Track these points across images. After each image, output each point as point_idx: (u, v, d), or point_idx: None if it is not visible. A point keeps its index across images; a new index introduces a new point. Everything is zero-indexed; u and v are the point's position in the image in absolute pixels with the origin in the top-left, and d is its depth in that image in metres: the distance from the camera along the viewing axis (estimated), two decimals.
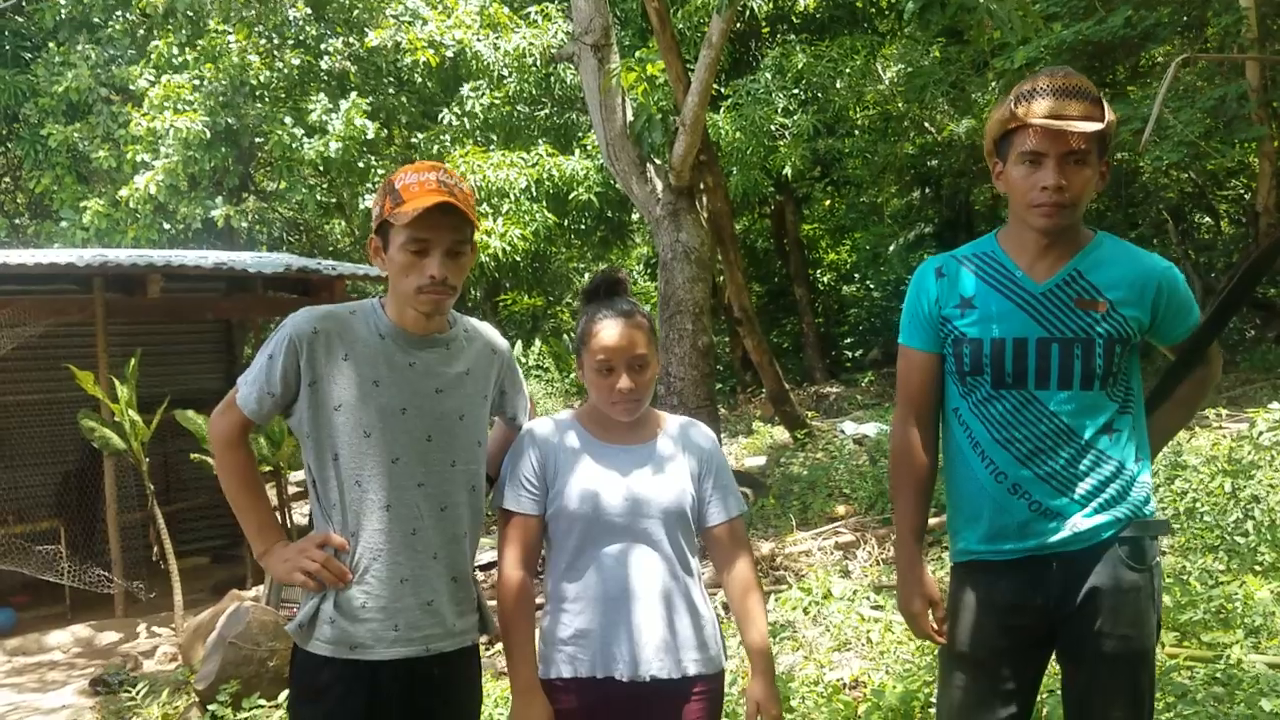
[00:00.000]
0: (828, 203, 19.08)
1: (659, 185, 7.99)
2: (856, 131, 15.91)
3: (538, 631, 2.37)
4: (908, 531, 2.38)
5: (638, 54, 8.11)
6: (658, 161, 8.13)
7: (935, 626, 2.34)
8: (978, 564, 2.31)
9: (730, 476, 2.42)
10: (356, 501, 2.17)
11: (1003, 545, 2.25)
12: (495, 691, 4.18)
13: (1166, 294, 2.25)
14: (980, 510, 2.27)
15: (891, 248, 18.04)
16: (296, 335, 2.17)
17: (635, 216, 16.89)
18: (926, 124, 16.25)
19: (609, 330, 2.27)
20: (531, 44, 14.25)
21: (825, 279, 19.76)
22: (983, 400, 2.26)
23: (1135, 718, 2.23)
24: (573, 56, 8.52)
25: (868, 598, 5.23)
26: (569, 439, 2.35)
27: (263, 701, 4.67)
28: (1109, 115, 2.17)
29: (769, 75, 13.58)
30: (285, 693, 4.65)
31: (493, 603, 2.42)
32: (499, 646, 4.07)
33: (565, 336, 20.03)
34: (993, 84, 13.63)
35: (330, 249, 16.88)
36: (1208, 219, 17.05)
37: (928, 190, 17.79)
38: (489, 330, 2.43)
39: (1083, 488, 2.21)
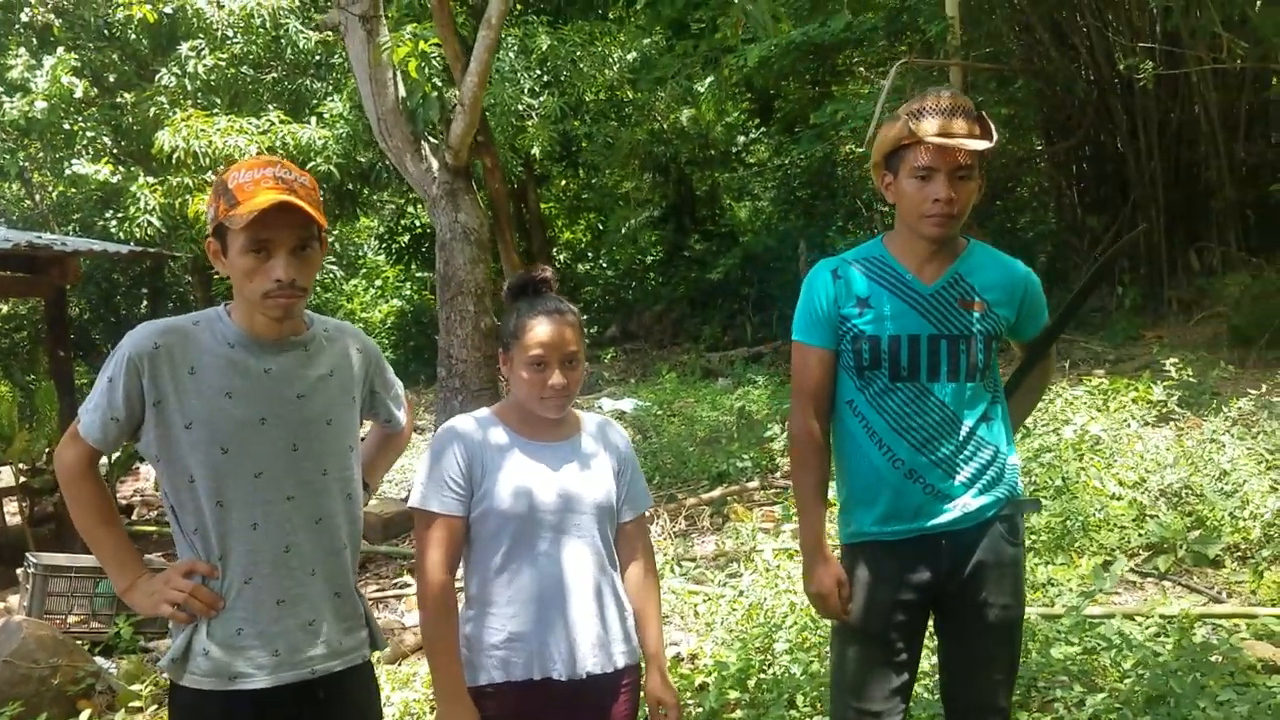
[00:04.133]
0: (564, 182, 19.32)
1: (434, 164, 7.82)
2: (589, 116, 16.23)
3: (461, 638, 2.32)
4: (812, 515, 2.53)
5: (410, 29, 7.87)
6: (433, 140, 7.95)
7: (841, 605, 2.48)
8: (870, 544, 2.49)
9: (640, 474, 2.49)
10: (220, 523, 2.05)
11: (897, 526, 2.44)
12: (397, 700, 4.03)
13: (1030, 296, 2.57)
14: (877, 495, 2.46)
15: (624, 229, 18.58)
16: (135, 354, 2.03)
17: (366, 191, 16.38)
18: (654, 113, 16.86)
19: (542, 326, 2.27)
20: (260, 4, 13.41)
21: (561, 257, 20.04)
22: (880, 392, 2.46)
23: (1011, 678, 2.56)
24: (338, 26, 8.14)
25: (672, 570, 5.47)
26: (495, 437, 2.34)
27: None
28: (993, 135, 2.41)
29: (513, 55, 13.56)
30: (85, 713, 4.31)
31: (389, 616, 2.37)
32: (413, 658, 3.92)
33: None
34: (729, 78, 14.33)
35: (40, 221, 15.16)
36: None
37: (657, 175, 18.43)
38: (352, 330, 2.33)
39: (968, 471, 2.43)
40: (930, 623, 2.58)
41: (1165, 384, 7.08)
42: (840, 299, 2.50)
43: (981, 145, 2.35)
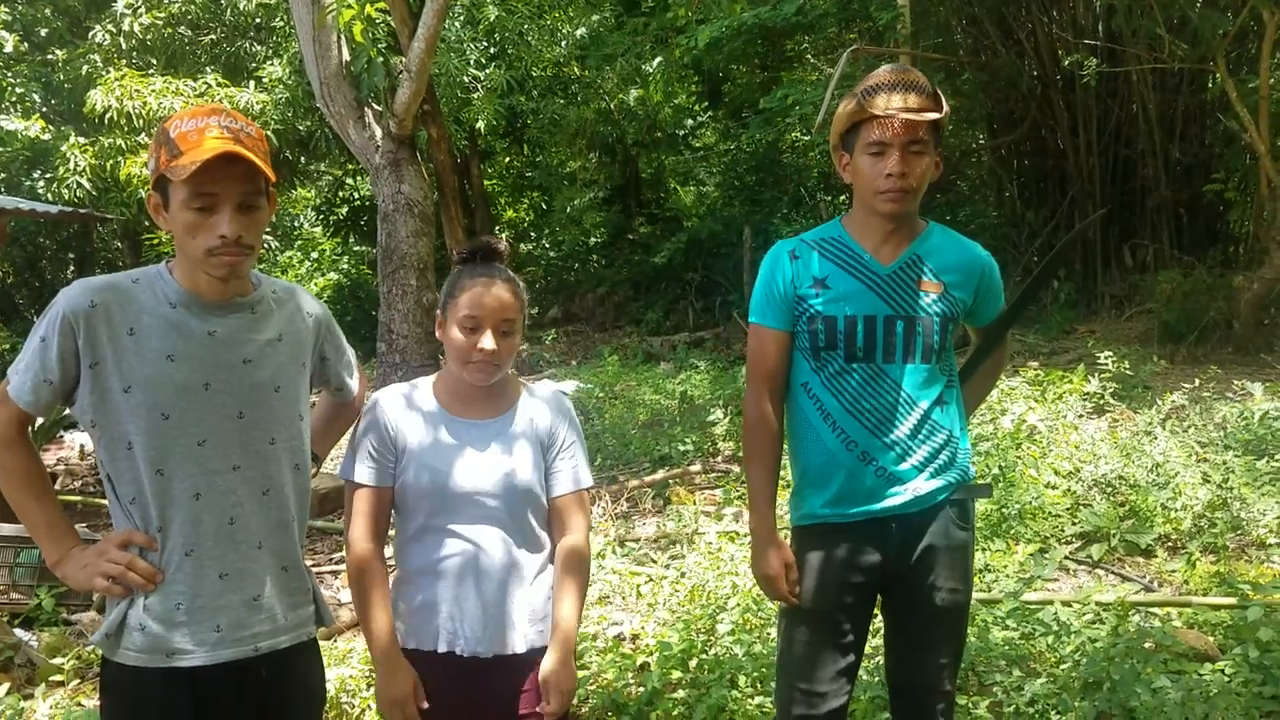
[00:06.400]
0: (508, 159, 19.10)
1: (378, 132, 7.65)
2: (535, 92, 16.06)
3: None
4: (763, 499, 2.50)
5: None
6: (376, 107, 7.78)
7: (789, 588, 2.45)
8: (821, 526, 2.47)
9: (581, 449, 2.39)
10: (160, 493, 1.94)
11: (849, 509, 2.42)
12: (333, 676, 3.91)
13: (987, 280, 2.56)
14: (829, 477, 2.44)
15: (568, 209, 18.44)
16: (71, 312, 1.91)
17: (304, 160, 16.04)
18: (601, 90, 16.73)
19: (480, 289, 2.22)
20: None
21: (504, 236, 19.81)
22: (835, 374, 2.43)
23: (956, 660, 2.56)
24: None
25: (614, 552, 5.43)
26: (422, 409, 2.29)
27: None
28: (944, 106, 2.41)
29: (459, 25, 13.35)
30: (3, 687, 4.14)
31: (325, 593, 2.30)
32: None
33: None
34: (680, 58, 14.25)
35: None
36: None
37: (604, 156, 18.32)
38: (301, 292, 2.22)
39: (921, 454, 2.41)
40: (877, 604, 2.57)
41: (1101, 376, 7.20)
42: (797, 279, 2.47)
43: (931, 116, 2.34)
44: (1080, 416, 6.85)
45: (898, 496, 2.41)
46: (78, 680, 4.28)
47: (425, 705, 2.21)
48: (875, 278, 2.43)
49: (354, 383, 2.38)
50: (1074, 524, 5.29)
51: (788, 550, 2.49)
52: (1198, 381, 7.22)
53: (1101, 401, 7.10)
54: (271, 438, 2.05)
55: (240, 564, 2.01)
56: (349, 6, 7.35)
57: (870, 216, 2.46)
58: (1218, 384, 7.67)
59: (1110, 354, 7.58)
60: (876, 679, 3.43)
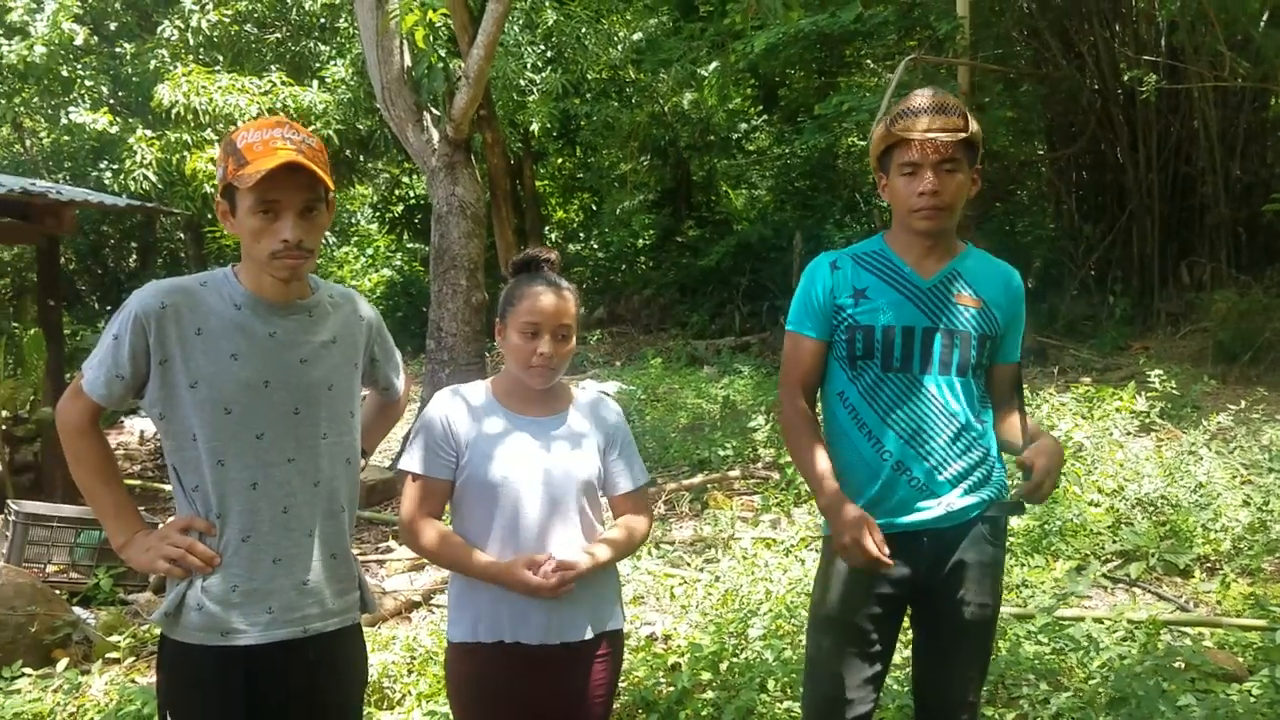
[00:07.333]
0: (560, 160, 19.26)
1: (435, 136, 7.81)
2: (589, 95, 16.19)
3: (448, 596, 2.44)
4: (823, 478, 2.46)
5: None
6: (435, 111, 7.94)
7: (876, 548, 2.32)
8: None
9: (633, 449, 2.53)
10: (220, 482, 2.08)
11: (881, 520, 2.43)
12: (375, 662, 4.05)
13: (1017, 304, 2.59)
14: (863, 486, 2.49)
15: (617, 210, 18.55)
16: (143, 312, 2.05)
17: (363, 159, 16.31)
18: (656, 94, 16.81)
19: (539, 296, 2.34)
20: None
21: (554, 236, 20.00)
22: (872, 383, 2.49)
23: (983, 674, 2.62)
24: None
25: (650, 553, 5.52)
26: (483, 408, 2.41)
27: (27, 670, 4.27)
28: (973, 126, 2.46)
29: (518, 29, 13.52)
30: (62, 663, 4.33)
31: (370, 581, 2.41)
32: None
33: None
34: (735, 64, 14.28)
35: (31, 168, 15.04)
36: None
37: (655, 158, 18.40)
38: (357, 297, 2.37)
39: (956, 468, 2.45)
40: (907, 615, 2.62)
41: (1149, 395, 7.15)
42: (837, 290, 2.54)
43: (959, 136, 2.40)
44: (1127, 435, 6.81)
45: (930, 510, 2.45)
46: (133, 658, 4.45)
47: None
48: (916, 290, 2.49)
49: (400, 382, 2.52)
50: (1115, 542, 5.28)
51: (861, 511, 2.39)
52: (1244, 403, 7.12)
53: (1149, 420, 7.04)
54: (324, 433, 2.18)
55: (292, 550, 2.13)
56: (412, 12, 7.50)
57: (909, 234, 2.52)
58: (1268, 405, 7.57)
59: (1160, 372, 7.52)
60: (906, 689, 3.48)
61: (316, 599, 2.17)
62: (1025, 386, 2.75)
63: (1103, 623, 4.12)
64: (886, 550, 2.33)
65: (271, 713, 2.11)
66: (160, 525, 2.17)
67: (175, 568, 2.07)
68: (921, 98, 2.46)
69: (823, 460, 2.50)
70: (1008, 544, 5.05)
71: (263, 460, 2.10)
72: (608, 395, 2.65)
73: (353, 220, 21.36)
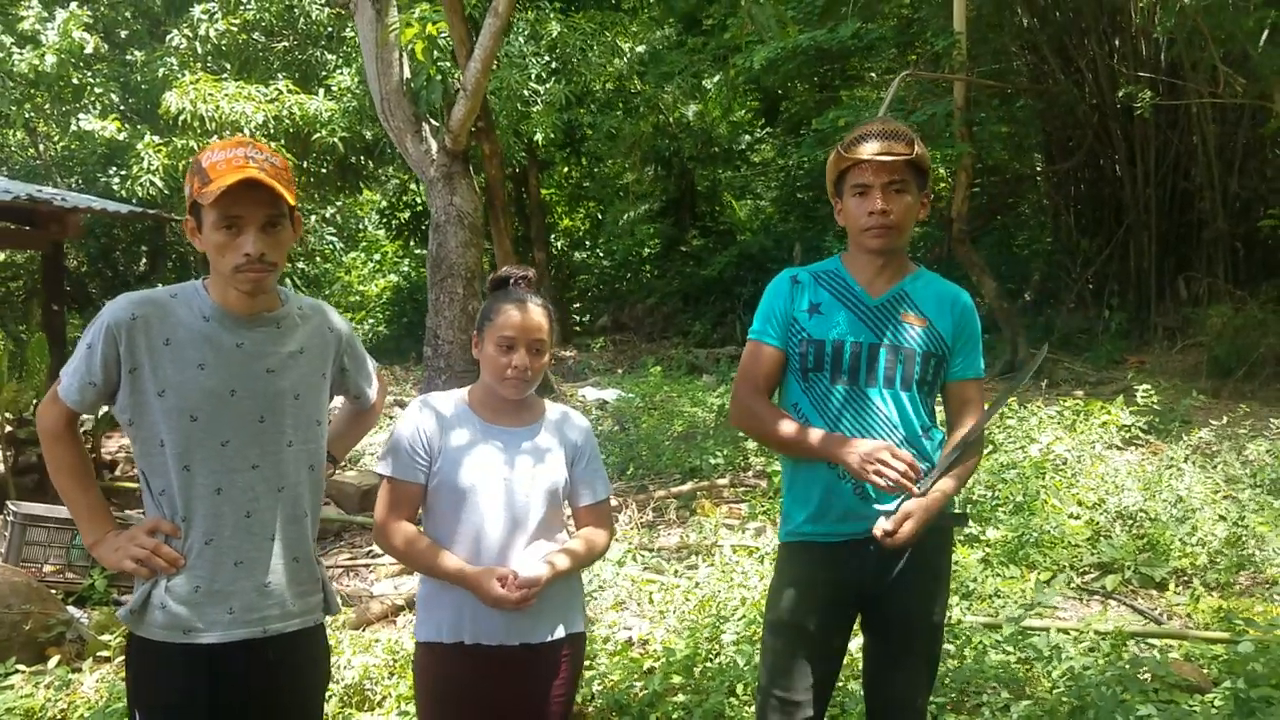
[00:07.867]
0: (566, 170, 19.40)
1: (434, 146, 7.94)
2: (594, 106, 16.32)
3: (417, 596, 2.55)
4: (806, 431, 2.56)
5: (418, 10, 7.97)
6: (434, 122, 8.07)
7: (890, 449, 2.43)
8: (804, 544, 2.63)
9: (598, 463, 2.64)
10: (186, 487, 2.18)
11: (827, 527, 2.57)
12: (358, 664, 4.16)
13: (966, 321, 2.68)
14: (811, 493, 2.60)
15: (622, 220, 18.68)
16: (114, 323, 2.15)
17: (370, 165, 16.44)
18: (660, 105, 16.95)
19: (515, 311, 2.47)
20: None
21: (558, 244, 20.14)
22: (822, 395, 2.61)
23: (931, 679, 2.72)
24: (349, 4, 8.24)
25: (634, 559, 5.60)
26: (458, 415, 2.52)
27: (21, 666, 4.38)
28: (919, 149, 2.58)
29: (523, 40, 13.65)
30: (54, 660, 4.44)
31: (358, 584, 2.50)
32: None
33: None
34: (735, 78, 14.38)
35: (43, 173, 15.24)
36: None
37: (659, 169, 18.53)
38: (326, 309, 2.45)
39: None
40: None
41: (1132, 409, 7.21)
42: (795, 304, 2.67)
43: (904, 157, 2.52)
44: (1110, 448, 6.87)
45: (874, 519, 2.52)
46: (123, 657, 4.54)
47: None
48: (864, 308, 2.61)
49: (372, 391, 2.62)
50: (1093, 554, 5.34)
51: (860, 439, 2.51)
52: (1225, 419, 7.18)
53: (1131, 435, 7.11)
54: (289, 440, 2.28)
55: (254, 553, 2.23)
56: (411, 25, 7.64)
57: (861, 255, 2.65)
58: (1256, 420, 7.63)
59: (1148, 387, 7.58)
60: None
61: (277, 600, 2.26)
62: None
63: (1069, 633, 4.19)
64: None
65: (233, 712, 2.20)
66: (132, 525, 2.27)
67: (141, 567, 2.17)
68: (871, 125, 2.60)
69: (788, 421, 2.59)
70: (983, 554, 5.17)
71: (227, 466, 2.19)
72: (575, 411, 2.75)
73: (360, 226, 21.52)
